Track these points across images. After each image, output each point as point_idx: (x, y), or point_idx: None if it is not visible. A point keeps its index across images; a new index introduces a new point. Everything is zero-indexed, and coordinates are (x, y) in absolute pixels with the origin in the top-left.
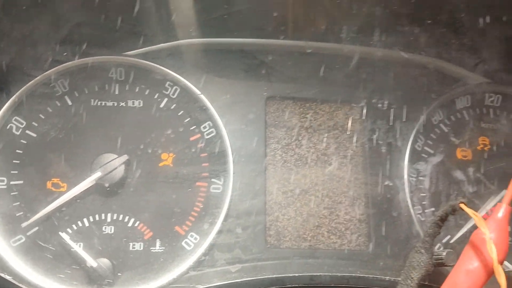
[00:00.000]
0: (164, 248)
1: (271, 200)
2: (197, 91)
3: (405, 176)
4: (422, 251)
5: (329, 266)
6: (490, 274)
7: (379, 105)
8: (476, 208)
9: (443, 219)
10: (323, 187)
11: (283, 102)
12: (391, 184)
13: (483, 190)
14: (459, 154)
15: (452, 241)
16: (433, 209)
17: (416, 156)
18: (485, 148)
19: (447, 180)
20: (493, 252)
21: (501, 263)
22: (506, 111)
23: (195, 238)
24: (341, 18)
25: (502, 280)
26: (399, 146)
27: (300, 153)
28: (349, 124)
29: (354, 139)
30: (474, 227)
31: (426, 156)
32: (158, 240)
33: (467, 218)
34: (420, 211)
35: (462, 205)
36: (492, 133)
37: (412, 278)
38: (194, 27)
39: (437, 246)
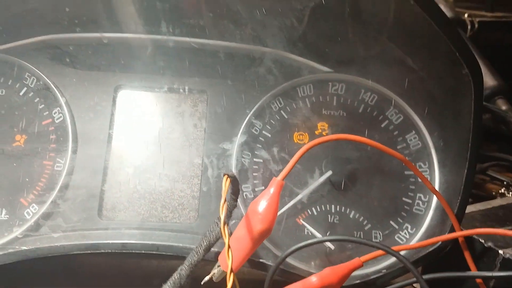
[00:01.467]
0: (8, 216)
1: (111, 178)
2: (49, 81)
3: (234, 157)
4: (217, 222)
5: (158, 237)
6: (255, 242)
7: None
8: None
9: (233, 193)
10: (163, 167)
11: (132, 91)
12: (222, 165)
13: None
14: (296, 138)
15: None
16: (262, 187)
17: (252, 139)
18: (323, 133)
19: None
20: (222, 214)
21: (268, 230)
22: (349, 98)
23: (35, 209)
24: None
25: (226, 240)
26: (234, 131)
27: (144, 137)
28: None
29: (197, 125)
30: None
31: (263, 139)
32: (3, 209)
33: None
34: (250, 189)
35: (225, 177)
36: (332, 118)
37: (201, 245)
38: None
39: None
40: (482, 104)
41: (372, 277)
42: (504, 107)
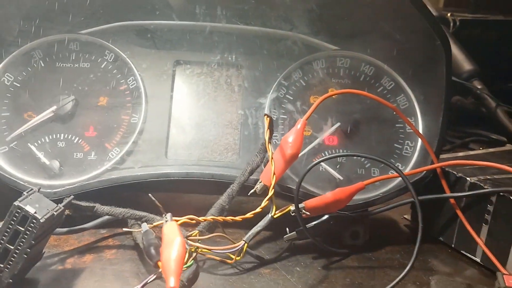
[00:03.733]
0: (96, 157)
1: (174, 128)
2: (124, 56)
3: (267, 109)
4: (257, 154)
5: (212, 170)
6: (286, 164)
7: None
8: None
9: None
10: (214, 119)
11: (189, 64)
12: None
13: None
14: (312, 100)
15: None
16: None
17: (281, 97)
18: (335, 97)
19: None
20: (266, 134)
21: (296, 154)
22: (352, 70)
23: (117, 151)
24: None
25: (270, 153)
26: (266, 92)
27: (199, 96)
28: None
29: (241, 85)
30: None
31: (286, 101)
32: (92, 151)
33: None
34: (278, 137)
35: (265, 117)
36: (339, 86)
37: (246, 170)
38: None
39: None
40: (451, 68)
41: (371, 199)
42: (479, 87)
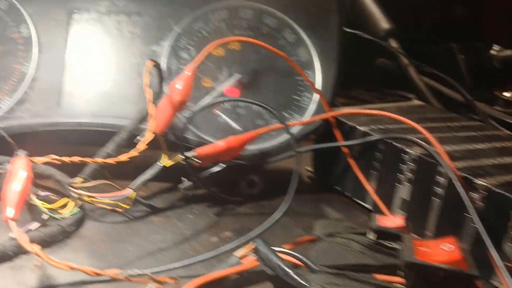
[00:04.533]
0: None
1: (68, 76)
2: (15, 2)
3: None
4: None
5: (105, 119)
6: (174, 110)
7: None
8: None
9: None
10: (111, 67)
11: (84, 12)
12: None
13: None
14: (215, 51)
15: None
16: None
17: (178, 50)
18: (236, 48)
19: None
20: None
21: (185, 102)
22: (255, 22)
23: (7, 100)
24: None
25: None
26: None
27: (94, 44)
28: None
29: (133, 33)
30: None
31: (185, 51)
32: None
33: None
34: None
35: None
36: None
37: (134, 119)
38: None
39: None
40: (344, 18)
41: (267, 149)
42: (394, 45)
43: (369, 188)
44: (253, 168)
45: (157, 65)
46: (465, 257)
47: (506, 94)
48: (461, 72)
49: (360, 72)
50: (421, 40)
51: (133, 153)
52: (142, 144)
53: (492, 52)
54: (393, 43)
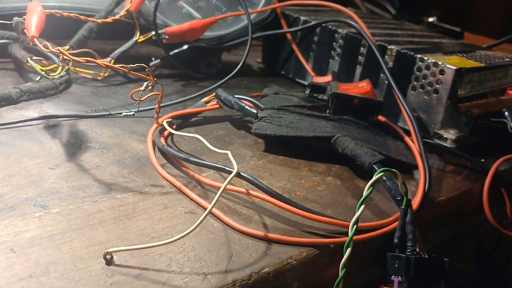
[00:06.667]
0: None
1: None
2: None
3: None
4: None
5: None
6: None
7: None
8: None
9: None
10: None
11: None
12: None
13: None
14: None
15: None
16: None
17: None
18: None
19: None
20: None
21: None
22: None
23: None
24: None
25: None
26: None
27: None
28: None
29: None
30: None
31: None
32: None
33: None
34: None
35: None
36: None
37: (112, 1)
38: None
39: None
40: None
41: (224, 34)
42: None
43: (308, 67)
44: (212, 52)
45: None
46: (373, 90)
47: (430, 19)
48: None
49: None
50: None
51: (117, 15)
52: (122, 12)
53: None
54: None
